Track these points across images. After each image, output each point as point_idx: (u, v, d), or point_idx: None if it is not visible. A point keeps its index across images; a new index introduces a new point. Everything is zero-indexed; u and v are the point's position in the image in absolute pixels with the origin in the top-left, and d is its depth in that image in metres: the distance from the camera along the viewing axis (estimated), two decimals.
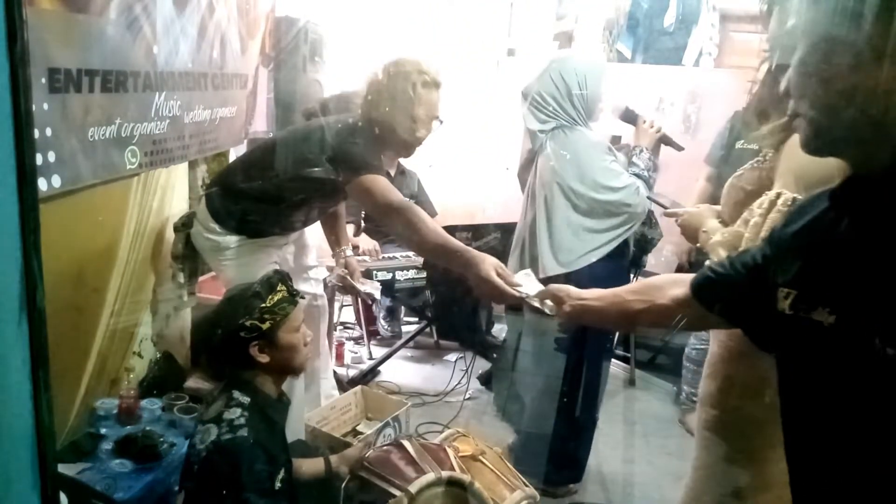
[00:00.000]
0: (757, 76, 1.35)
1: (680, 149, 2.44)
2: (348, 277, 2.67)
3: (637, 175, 2.30)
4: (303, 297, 1.74)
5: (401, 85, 2.06)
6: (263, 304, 1.62)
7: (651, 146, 2.38)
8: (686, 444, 2.66)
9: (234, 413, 1.57)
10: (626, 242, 2.38)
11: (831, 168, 0.84)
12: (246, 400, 1.61)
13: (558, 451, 2.47)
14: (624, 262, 2.45)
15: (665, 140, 2.40)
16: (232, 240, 2.23)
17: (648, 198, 2.30)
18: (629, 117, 2.43)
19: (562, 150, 2.30)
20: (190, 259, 2.36)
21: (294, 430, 2.13)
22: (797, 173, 1.24)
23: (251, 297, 1.64)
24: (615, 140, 2.84)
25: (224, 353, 1.65)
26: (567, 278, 2.25)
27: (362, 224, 3.45)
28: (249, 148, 2.72)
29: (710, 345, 1.52)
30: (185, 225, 2.32)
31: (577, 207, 2.30)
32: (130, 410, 2.15)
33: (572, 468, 2.56)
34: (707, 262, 1.32)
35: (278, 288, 1.66)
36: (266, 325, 1.62)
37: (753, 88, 1.38)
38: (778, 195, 1.23)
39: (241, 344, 1.61)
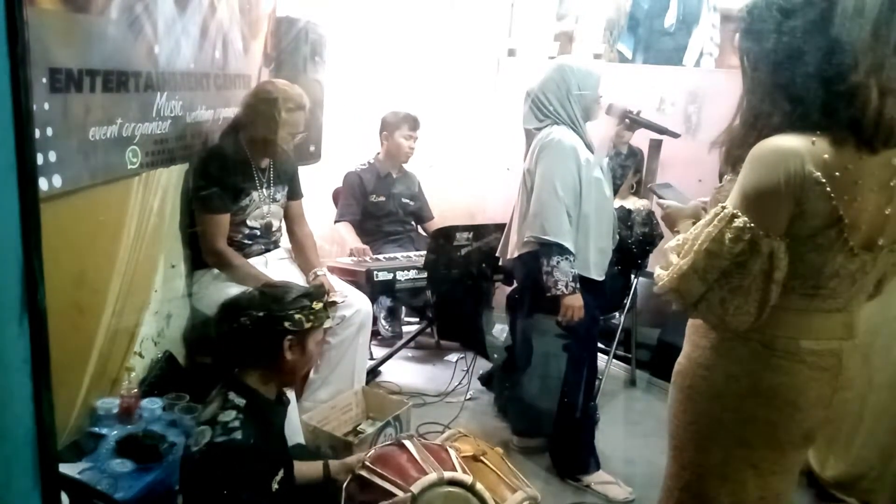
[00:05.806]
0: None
1: (669, 133, 2.64)
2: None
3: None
4: (329, 317, 1.87)
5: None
6: (311, 306, 1.71)
7: (620, 129, 2.61)
8: None
9: (229, 416, 1.56)
10: None
11: None
12: (241, 402, 1.60)
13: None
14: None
15: (644, 124, 2.60)
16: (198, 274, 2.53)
17: (650, 188, 2.41)
18: (615, 113, 2.60)
19: (540, 143, 2.43)
20: None
21: (289, 434, 2.11)
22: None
23: (303, 296, 1.72)
24: None
25: (249, 341, 1.64)
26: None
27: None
28: None
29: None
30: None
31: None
32: (131, 410, 2.14)
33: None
34: (658, 266, 1.32)
35: (323, 299, 1.80)
36: (308, 325, 1.69)
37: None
38: (722, 208, 1.21)
39: (275, 336, 1.64)
